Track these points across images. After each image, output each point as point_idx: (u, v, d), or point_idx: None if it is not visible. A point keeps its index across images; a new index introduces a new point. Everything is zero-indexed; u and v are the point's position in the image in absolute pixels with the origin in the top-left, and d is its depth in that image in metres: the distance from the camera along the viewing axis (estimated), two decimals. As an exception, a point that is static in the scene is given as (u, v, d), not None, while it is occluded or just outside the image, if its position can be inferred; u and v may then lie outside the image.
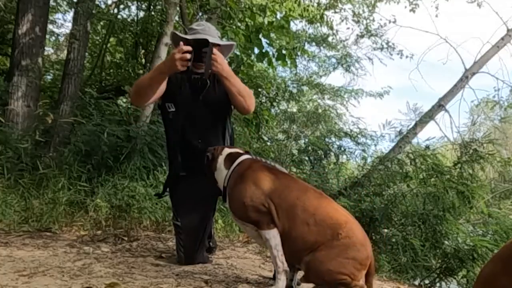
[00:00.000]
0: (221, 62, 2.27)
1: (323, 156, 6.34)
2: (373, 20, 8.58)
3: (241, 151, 2.18)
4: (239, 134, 5.13)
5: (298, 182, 2.07)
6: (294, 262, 1.95)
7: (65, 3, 8.29)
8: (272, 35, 5.69)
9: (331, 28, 8.51)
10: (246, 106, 2.37)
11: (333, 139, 6.70)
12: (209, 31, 2.49)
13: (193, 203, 2.46)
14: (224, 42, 2.65)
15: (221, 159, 2.11)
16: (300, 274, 2.11)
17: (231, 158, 2.11)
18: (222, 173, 2.08)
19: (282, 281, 1.87)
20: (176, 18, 5.57)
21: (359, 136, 6.49)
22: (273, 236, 1.89)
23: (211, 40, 2.33)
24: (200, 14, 6.36)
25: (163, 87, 2.41)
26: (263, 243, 1.98)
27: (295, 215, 1.88)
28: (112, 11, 7.73)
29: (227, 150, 2.15)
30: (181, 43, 2.22)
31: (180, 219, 2.48)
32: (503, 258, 1.25)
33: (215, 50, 2.26)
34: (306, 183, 2.13)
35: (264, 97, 6.85)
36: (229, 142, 2.57)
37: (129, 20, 7.76)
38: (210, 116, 2.49)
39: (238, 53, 5.08)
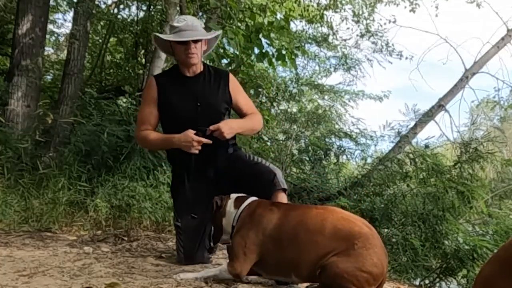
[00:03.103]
0: (226, 129, 2.34)
1: (323, 156, 6.35)
2: (373, 20, 8.59)
3: (247, 196, 2.21)
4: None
5: (301, 207, 2.15)
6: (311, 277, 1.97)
7: (65, 3, 8.28)
8: (272, 35, 5.68)
9: (331, 28, 8.51)
10: (258, 130, 2.72)
11: (333, 139, 6.71)
12: (192, 26, 2.43)
13: (194, 204, 2.47)
14: (210, 35, 2.57)
15: (230, 203, 2.15)
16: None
17: (240, 199, 2.16)
18: (231, 215, 2.12)
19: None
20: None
21: (359, 136, 6.50)
22: (228, 277, 1.99)
23: (198, 36, 2.40)
24: (200, 14, 6.36)
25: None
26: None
27: (299, 240, 1.90)
28: (112, 11, 7.73)
29: (234, 195, 2.20)
30: (196, 137, 2.31)
31: (181, 220, 2.49)
32: (501, 260, 1.24)
33: (213, 127, 2.32)
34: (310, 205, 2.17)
35: (264, 97, 6.85)
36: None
37: (129, 20, 7.75)
38: (209, 118, 2.46)
39: (238, 53, 5.07)
